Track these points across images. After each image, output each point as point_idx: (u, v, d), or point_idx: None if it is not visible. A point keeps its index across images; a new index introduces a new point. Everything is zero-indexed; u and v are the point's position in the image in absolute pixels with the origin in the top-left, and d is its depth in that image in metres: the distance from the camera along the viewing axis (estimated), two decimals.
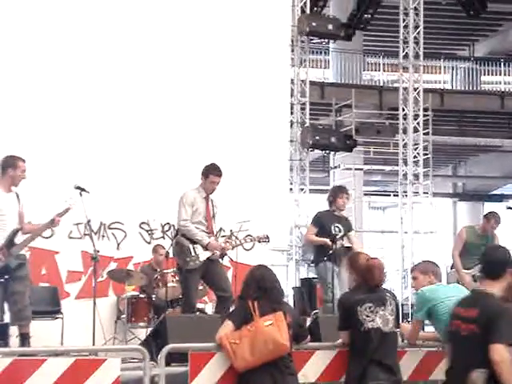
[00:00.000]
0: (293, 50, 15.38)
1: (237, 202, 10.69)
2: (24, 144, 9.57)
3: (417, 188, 17.47)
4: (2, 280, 7.22)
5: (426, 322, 6.58)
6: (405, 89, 17.53)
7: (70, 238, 10.53)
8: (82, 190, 8.00)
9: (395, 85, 20.21)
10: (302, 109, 16.11)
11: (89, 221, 8.48)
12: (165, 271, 9.58)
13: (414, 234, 17.20)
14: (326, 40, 20.10)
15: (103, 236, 10.92)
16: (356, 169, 19.54)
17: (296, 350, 5.95)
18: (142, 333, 9.41)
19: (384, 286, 6.28)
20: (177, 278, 9.12)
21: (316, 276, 13.19)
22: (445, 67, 26.73)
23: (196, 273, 8.18)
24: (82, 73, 10.92)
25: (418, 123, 17.36)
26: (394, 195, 20.40)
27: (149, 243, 11.06)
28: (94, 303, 8.21)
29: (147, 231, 11.22)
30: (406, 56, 17.47)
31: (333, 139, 16.87)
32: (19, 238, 7.44)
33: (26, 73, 10.64)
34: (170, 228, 10.99)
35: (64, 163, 10.47)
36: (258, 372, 5.57)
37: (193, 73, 11.48)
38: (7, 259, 7.27)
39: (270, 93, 12.12)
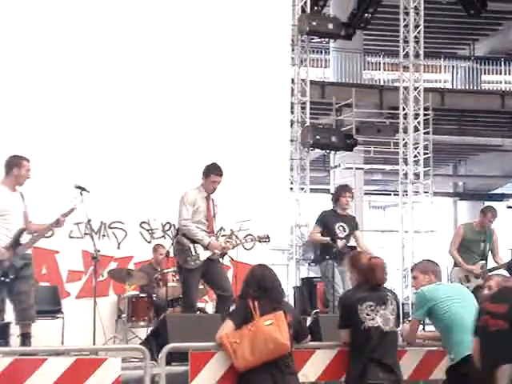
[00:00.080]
0: (293, 50, 15.39)
1: (237, 201, 10.68)
2: (25, 144, 9.56)
3: (417, 187, 17.47)
4: (8, 280, 7.23)
5: (427, 321, 6.59)
6: (405, 88, 17.53)
7: (71, 237, 10.53)
8: (83, 189, 8.00)
9: (395, 84, 20.20)
10: (303, 108, 16.12)
11: (89, 220, 8.47)
12: (165, 271, 9.58)
13: (414, 233, 17.20)
14: (327, 39, 20.09)
15: (104, 235, 10.93)
16: (356, 168, 19.56)
17: (296, 349, 5.94)
18: (143, 332, 9.41)
19: (385, 286, 6.29)
20: (177, 278, 9.12)
21: (316, 275, 13.26)
22: (445, 66, 26.73)
23: (196, 272, 8.18)
24: (83, 73, 10.92)
25: (418, 122, 17.35)
26: (395, 194, 20.40)
27: (149, 243, 11.06)
28: (95, 303, 8.20)
29: (148, 231, 11.22)
30: (406, 55, 17.47)
31: (333, 138, 16.88)
32: (24, 238, 7.45)
33: (27, 74, 10.64)
34: (170, 227, 10.99)
35: (64, 163, 10.47)
36: (258, 371, 5.58)
37: (193, 72, 11.48)
38: (13, 259, 7.28)
39: (270, 92, 12.12)
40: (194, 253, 8.13)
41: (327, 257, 8.94)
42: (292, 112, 15.23)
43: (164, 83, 11.34)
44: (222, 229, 10.35)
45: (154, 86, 11.30)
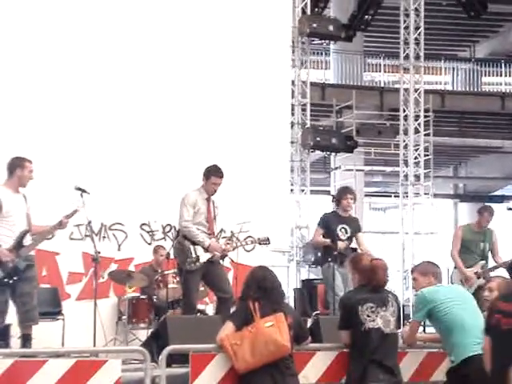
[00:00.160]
0: (293, 51, 15.40)
1: (238, 202, 10.68)
2: (26, 146, 9.55)
3: (418, 189, 17.47)
4: (11, 281, 7.24)
5: (427, 323, 6.58)
6: (405, 90, 17.54)
7: (71, 239, 10.53)
8: (83, 191, 8.00)
9: (396, 86, 20.20)
10: (303, 110, 16.12)
11: (89, 222, 8.47)
12: (165, 272, 9.58)
13: (414, 234, 17.20)
14: (327, 41, 20.10)
15: (104, 237, 10.92)
16: (357, 170, 19.55)
17: (297, 351, 5.95)
18: (143, 334, 9.40)
19: (386, 287, 6.29)
20: (177, 279, 9.12)
21: (317, 277, 13.25)
22: (445, 68, 26.72)
23: (196, 274, 8.18)
24: (84, 75, 10.92)
25: (418, 124, 17.36)
26: (395, 196, 20.39)
27: (150, 244, 11.06)
28: (95, 304, 8.20)
29: (148, 232, 11.22)
30: (406, 57, 17.47)
31: (333, 140, 16.88)
32: (27, 240, 7.46)
33: (28, 75, 10.64)
34: (170, 229, 10.99)
35: (65, 164, 10.47)
36: (258, 373, 5.58)
37: (194, 74, 11.48)
38: (16, 260, 7.28)
39: (270, 94, 12.12)
40: (194, 254, 8.13)
41: (329, 259, 8.93)
42: (292, 114, 15.23)
43: (164, 83, 11.34)
44: (222, 230, 10.35)
45: (155, 88, 11.30)
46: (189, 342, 6.06)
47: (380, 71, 25.85)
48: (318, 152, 17.96)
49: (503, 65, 26.44)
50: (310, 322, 9.07)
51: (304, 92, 16.10)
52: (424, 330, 8.90)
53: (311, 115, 16.38)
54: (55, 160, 10.39)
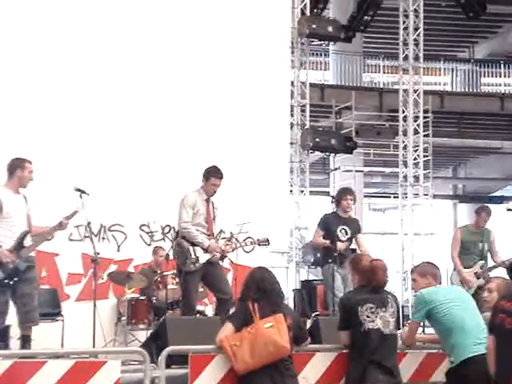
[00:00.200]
0: (293, 52, 15.39)
1: (237, 203, 10.68)
2: (25, 147, 9.54)
3: (417, 190, 17.47)
4: (12, 282, 7.24)
5: (427, 324, 6.58)
6: (405, 91, 17.54)
7: (70, 240, 10.52)
8: (82, 192, 8.00)
9: (395, 87, 20.23)
10: (302, 111, 16.12)
11: (89, 223, 8.46)
12: (165, 273, 9.58)
13: (414, 235, 17.20)
14: (326, 42, 20.11)
15: (103, 238, 10.92)
16: (356, 171, 19.53)
17: (296, 352, 5.95)
18: (142, 335, 9.40)
19: (385, 288, 6.29)
20: (177, 280, 9.12)
21: (316, 278, 13.25)
22: (445, 69, 26.74)
23: (196, 275, 8.19)
24: (83, 76, 10.91)
25: (418, 125, 17.36)
26: (394, 197, 20.38)
27: (149, 245, 11.06)
28: (95, 305, 8.20)
29: (147, 233, 11.22)
30: (405, 58, 17.47)
31: (333, 141, 16.87)
32: (28, 241, 7.47)
33: (28, 77, 10.63)
34: (170, 230, 10.98)
35: (64, 165, 10.47)
36: (258, 374, 5.58)
37: (193, 75, 11.47)
38: (16, 261, 7.28)
39: (270, 95, 12.12)
40: (193, 255, 8.13)
41: (329, 260, 8.94)
42: (292, 115, 15.23)
43: (163, 84, 11.34)
44: (221, 231, 10.35)
45: (154, 88, 11.30)
46: (188, 342, 6.06)
47: (379, 72, 25.87)
48: (317, 153, 17.96)
49: (502, 65, 26.47)
50: (309, 323, 9.07)
51: (303, 93, 16.10)
52: (423, 331, 8.90)
53: (310, 116, 16.38)
54: (55, 161, 10.38)
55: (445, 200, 30.41)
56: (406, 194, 17.53)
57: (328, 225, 9.20)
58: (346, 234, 9.15)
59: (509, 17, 24.93)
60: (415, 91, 17.42)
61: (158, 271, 10.08)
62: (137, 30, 11.28)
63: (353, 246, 9.26)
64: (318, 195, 20.71)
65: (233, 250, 8.69)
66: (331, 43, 20.59)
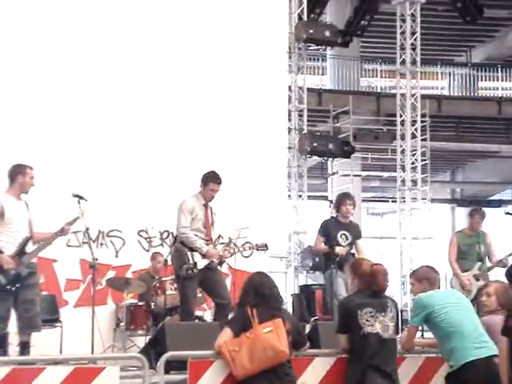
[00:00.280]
0: (290, 57, 15.38)
1: (235, 208, 10.69)
2: (24, 153, 9.55)
3: (415, 194, 17.49)
4: (14, 288, 7.24)
5: (426, 328, 6.57)
6: (402, 95, 17.56)
7: (69, 246, 10.51)
8: (80, 197, 8.01)
9: (393, 91, 20.24)
10: (300, 115, 16.12)
11: (87, 229, 8.46)
12: (163, 279, 9.56)
13: (412, 239, 17.21)
14: (324, 47, 20.11)
15: (101, 244, 10.91)
16: (354, 175, 19.55)
17: (295, 356, 5.94)
18: (141, 341, 9.39)
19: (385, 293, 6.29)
20: (175, 286, 9.11)
21: (315, 282, 13.26)
22: (442, 73, 26.74)
23: (194, 280, 8.18)
24: (82, 81, 10.92)
25: (415, 129, 17.39)
26: (393, 201, 20.41)
27: (147, 251, 11.05)
28: (93, 311, 8.20)
29: (146, 239, 11.21)
30: (403, 62, 17.50)
31: (330, 146, 16.88)
32: (30, 247, 7.46)
33: (26, 83, 10.64)
34: (168, 235, 10.98)
35: (63, 171, 10.46)
36: (257, 379, 5.57)
37: (191, 80, 11.48)
38: (18, 268, 7.28)
39: (267, 100, 12.13)
40: (191, 261, 8.13)
41: (332, 266, 8.95)
42: (289, 119, 15.22)
43: (161, 89, 11.35)
44: (220, 236, 10.34)
45: (152, 93, 11.30)
46: (187, 348, 6.04)
47: (376, 76, 25.89)
48: (315, 157, 17.98)
49: (500, 69, 26.49)
50: (308, 328, 9.06)
51: (301, 98, 16.11)
52: (422, 336, 8.89)
53: (308, 121, 16.38)
54: (54, 167, 10.37)
55: (443, 204, 30.43)
56: (404, 198, 17.55)
57: (328, 230, 9.22)
58: (347, 239, 9.17)
59: (506, 21, 24.97)
60: (413, 95, 17.44)
61: (157, 277, 10.07)
62: (136, 39, 11.28)
63: (353, 250, 9.28)
64: (316, 200, 20.73)
65: (231, 255, 8.68)
66: (328, 48, 20.57)
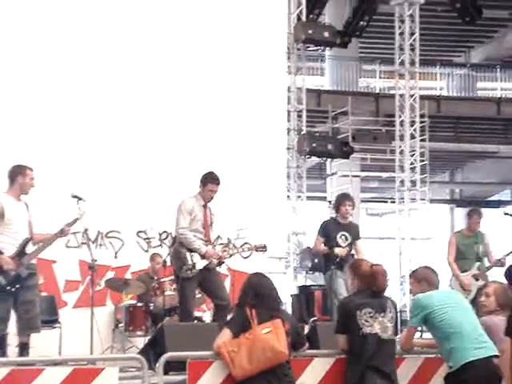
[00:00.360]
0: (289, 58, 15.40)
1: (234, 209, 10.70)
2: (24, 154, 9.55)
3: (414, 194, 17.50)
4: (13, 289, 7.24)
5: (425, 329, 6.57)
6: (401, 95, 17.57)
7: (68, 247, 10.51)
8: (79, 198, 8.00)
9: (391, 92, 20.21)
10: (299, 116, 16.13)
11: (86, 230, 8.47)
12: (162, 279, 9.57)
13: (411, 240, 17.22)
14: (322, 47, 20.10)
15: (100, 245, 10.92)
16: (353, 176, 19.53)
17: (294, 357, 5.94)
18: (140, 341, 9.39)
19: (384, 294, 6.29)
20: (174, 287, 9.11)
21: (314, 283, 13.25)
22: (441, 74, 26.74)
23: (193, 281, 8.18)
24: (81, 82, 10.94)
25: (414, 130, 17.40)
26: (392, 202, 20.38)
27: (146, 252, 11.05)
28: (92, 312, 8.19)
29: (144, 240, 11.21)
30: (401, 63, 17.52)
31: (329, 146, 16.88)
32: (30, 248, 7.46)
33: (26, 84, 10.66)
34: (167, 236, 10.99)
35: (62, 172, 10.47)
36: (256, 380, 5.57)
37: (190, 81, 11.49)
38: (18, 269, 7.28)
39: (266, 100, 12.14)
40: (190, 261, 8.13)
41: (333, 267, 8.96)
42: (288, 120, 15.24)
43: (160, 90, 11.36)
44: (219, 237, 10.35)
45: (151, 94, 11.31)
46: (186, 349, 6.04)
47: (375, 77, 25.87)
48: (314, 158, 17.97)
49: (498, 70, 26.48)
50: (307, 329, 9.06)
51: (300, 98, 16.12)
52: (421, 336, 8.89)
53: (307, 121, 16.39)
54: (53, 168, 10.37)
55: (442, 204, 30.44)
56: (402, 198, 17.56)
57: (328, 231, 9.23)
58: (347, 239, 9.18)
59: (504, 21, 24.98)
60: (411, 96, 17.45)
61: (156, 278, 10.08)
62: (135, 40, 11.29)
63: (353, 251, 9.28)
64: (314, 200, 20.72)
65: (230, 256, 8.68)
66: (327, 49, 20.55)
